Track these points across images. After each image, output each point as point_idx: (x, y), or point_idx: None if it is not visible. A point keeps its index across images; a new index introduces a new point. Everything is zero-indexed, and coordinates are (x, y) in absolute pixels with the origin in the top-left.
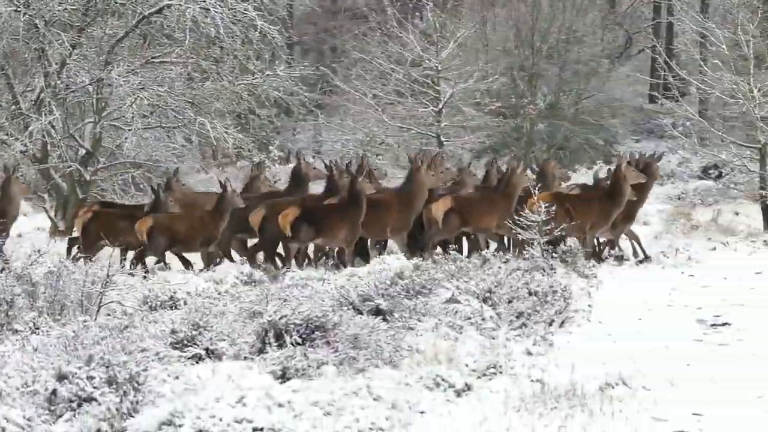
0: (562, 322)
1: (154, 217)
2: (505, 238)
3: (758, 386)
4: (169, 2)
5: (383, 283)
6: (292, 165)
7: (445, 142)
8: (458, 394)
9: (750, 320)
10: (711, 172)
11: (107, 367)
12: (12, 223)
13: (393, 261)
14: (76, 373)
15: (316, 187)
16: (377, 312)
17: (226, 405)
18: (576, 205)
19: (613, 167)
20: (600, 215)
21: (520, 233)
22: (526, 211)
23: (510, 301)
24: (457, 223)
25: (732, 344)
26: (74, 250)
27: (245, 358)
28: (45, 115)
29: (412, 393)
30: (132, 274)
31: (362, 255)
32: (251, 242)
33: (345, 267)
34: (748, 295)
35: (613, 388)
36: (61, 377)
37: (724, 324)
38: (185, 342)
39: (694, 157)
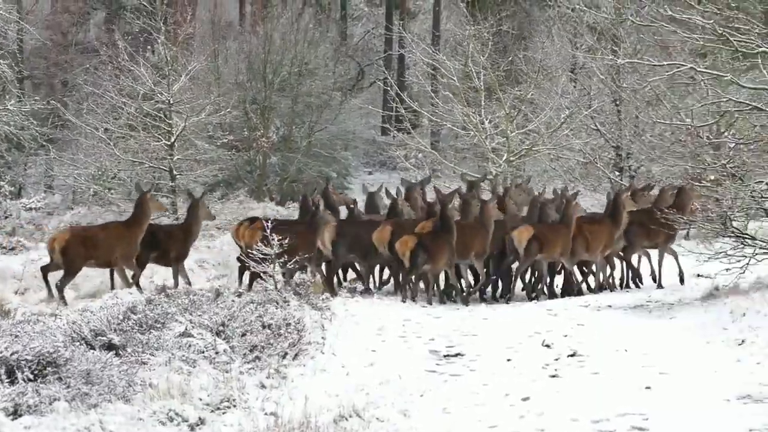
0: (296, 355)
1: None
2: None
3: (490, 417)
4: None
5: (116, 317)
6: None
7: (177, 176)
8: (192, 428)
9: (482, 350)
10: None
11: None
12: (192, 243)
13: (126, 295)
14: None
15: None
16: (110, 347)
17: None
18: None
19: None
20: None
21: (254, 266)
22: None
23: (244, 335)
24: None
25: (465, 375)
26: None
27: None
28: None
29: (146, 428)
30: None
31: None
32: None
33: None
34: (480, 325)
35: (346, 420)
36: None
37: (457, 355)
38: None
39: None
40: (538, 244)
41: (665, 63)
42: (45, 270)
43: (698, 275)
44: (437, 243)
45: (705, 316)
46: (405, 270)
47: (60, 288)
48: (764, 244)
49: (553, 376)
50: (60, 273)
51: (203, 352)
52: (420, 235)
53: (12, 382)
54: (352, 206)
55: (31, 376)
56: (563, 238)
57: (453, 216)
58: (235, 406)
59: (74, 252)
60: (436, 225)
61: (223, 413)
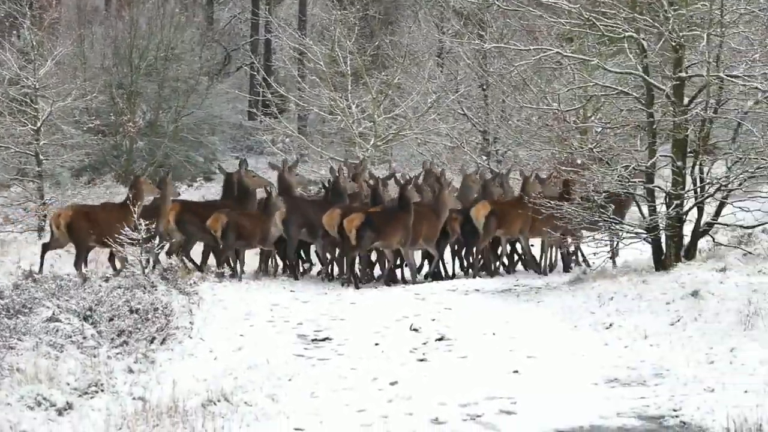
0: (164, 340)
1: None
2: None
3: (359, 401)
4: None
5: None
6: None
7: (44, 161)
8: (60, 412)
9: (350, 335)
10: (311, 189)
11: None
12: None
13: None
14: None
15: None
16: None
17: None
18: None
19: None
20: None
21: (120, 250)
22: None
23: (111, 319)
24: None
25: (333, 359)
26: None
27: None
28: None
29: (14, 413)
30: None
31: None
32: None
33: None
34: (348, 309)
35: (214, 404)
36: None
37: (325, 339)
38: None
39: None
40: (496, 219)
41: (532, 48)
42: (45, 247)
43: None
44: (390, 220)
45: (572, 300)
46: (351, 248)
47: (77, 266)
48: (632, 228)
49: (421, 360)
50: (59, 251)
51: (71, 337)
52: (369, 213)
53: None
54: (375, 186)
55: None
56: (523, 216)
57: (412, 197)
58: (102, 390)
59: (78, 226)
60: (387, 206)
61: (91, 398)
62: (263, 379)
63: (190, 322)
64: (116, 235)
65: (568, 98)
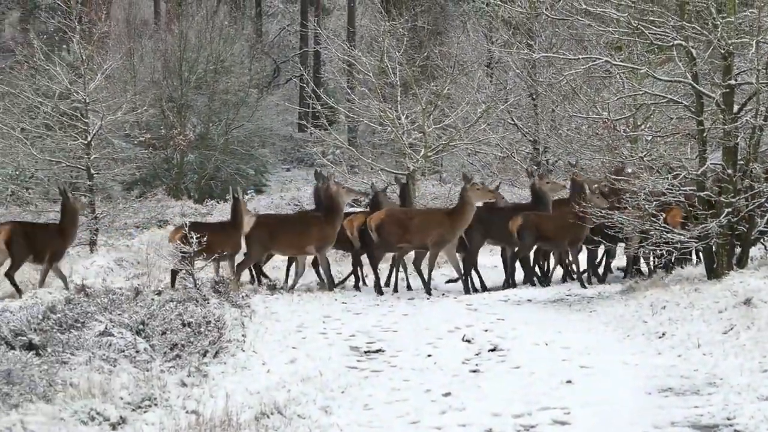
0: (217, 353)
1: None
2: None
3: (412, 412)
4: None
5: (35, 317)
6: None
7: (95, 175)
8: (113, 427)
9: (402, 346)
10: (362, 200)
11: None
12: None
13: (45, 295)
14: None
15: None
16: (30, 347)
17: None
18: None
19: None
20: None
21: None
22: (177, 242)
23: (164, 333)
24: None
25: (385, 370)
26: None
27: None
28: None
29: (67, 427)
30: None
31: None
32: None
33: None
34: (400, 321)
35: (268, 417)
36: None
37: (378, 351)
38: None
39: None
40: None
41: (581, 57)
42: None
43: (618, 268)
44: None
45: (625, 310)
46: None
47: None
48: (683, 237)
49: (474, 371)
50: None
51: (123, 351)
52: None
53: None
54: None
55: None
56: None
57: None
58: (156, 404)
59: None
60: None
61: (145, 412)
62: (316, 391)
63: (243, 335)
64: None
65: (617, 107)
